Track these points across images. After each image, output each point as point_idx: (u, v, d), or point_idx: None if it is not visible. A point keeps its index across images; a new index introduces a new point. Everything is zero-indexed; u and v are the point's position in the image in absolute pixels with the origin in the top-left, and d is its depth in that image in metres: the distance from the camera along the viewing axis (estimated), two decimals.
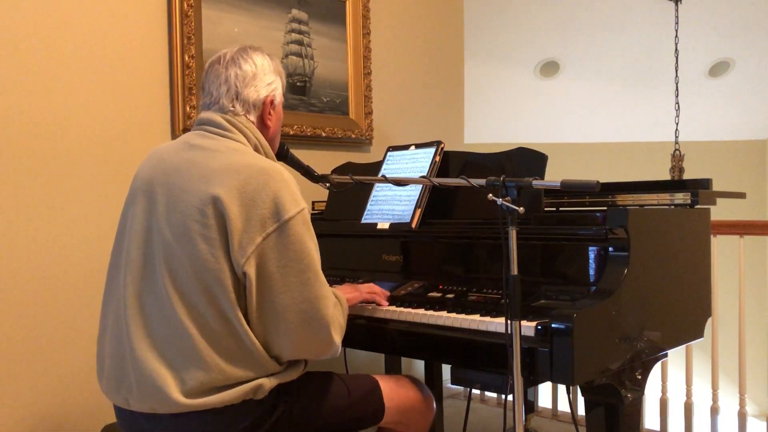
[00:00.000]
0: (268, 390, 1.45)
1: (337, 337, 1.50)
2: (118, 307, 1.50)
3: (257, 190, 1.41)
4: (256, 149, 1.58)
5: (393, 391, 1.70)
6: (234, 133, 1.54)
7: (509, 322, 1.39)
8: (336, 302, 1.53)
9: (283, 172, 1.47)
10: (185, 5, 2.41)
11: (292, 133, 2.78)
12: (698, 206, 1.82)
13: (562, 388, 3.19)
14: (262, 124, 1.61)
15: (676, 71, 5.42)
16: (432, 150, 2.13)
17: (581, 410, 1.88)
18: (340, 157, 2.91)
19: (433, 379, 2.75)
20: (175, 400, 1.38)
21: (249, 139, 1.56)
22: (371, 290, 1.88)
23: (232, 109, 1.56)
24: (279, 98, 1.65)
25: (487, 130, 6.22)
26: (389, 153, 2.28)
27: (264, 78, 1.59)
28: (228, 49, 1.62)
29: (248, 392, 1.42)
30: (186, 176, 1.47)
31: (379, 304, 1.86)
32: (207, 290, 1.40)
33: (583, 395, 1.68)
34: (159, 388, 1.39)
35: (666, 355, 1.84)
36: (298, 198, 1.46)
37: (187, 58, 2.41)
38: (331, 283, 2.07)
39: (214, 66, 1.60)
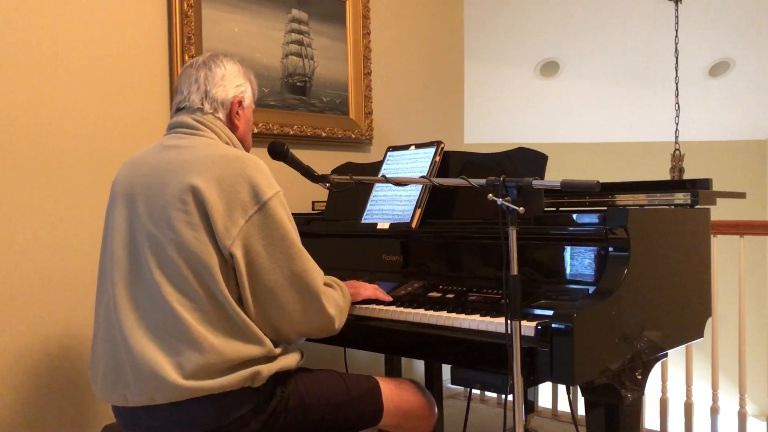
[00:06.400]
0: (265, 377, 1.47)
1: (332, 310, 1.56)
2: (108, 307, 1.52)
3: (234, 177, 1.47)
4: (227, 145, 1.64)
5: (393, 393, 1.70)
6: (204, 131, 1.62)
7: (509, 322, 1.39)
8: (332, 283, 1.62)
9: (257, 159, 1.54)
10: (185, 5, 2.41)
11: (292, 133, 2.78)
12: (698, 206, 1.82)
13: (562, 388, 3.19)
14: (230, 123, 1.69)
15: (676, 71, 5.41)
16: (432, 150, 2.13)
17: (581, 410, 1.88)
18: (340, 157, 2.91)
19: (433, 379, 2.75)
20: (173, 383, 1.40)
21: (220, 136, 1.63)
22: (375, 289, 1.89)
23: (200, 106, 1.64)
24: (248, 101, 1.73)
25: (487, 130, 6.22)
26: (389, 153, 2.28)
27: (233, 80, 1.68)
28: (201, 55, 1.73)
29: (246, 379, 1.44)
30: (163, 172, 1.52)
31: (383, 299, 1.87)
32: (194, 273, 1.44)
33: (583, 395, 1.68)
34: (156, 374, 1.41)
35: (666, 355, 1.83)
36: (273, 182, 1.53)
37: (187, 58, 2.41)
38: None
39: (187, 69, 1.69)
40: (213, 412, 1.44)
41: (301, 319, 1.52)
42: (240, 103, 1.69)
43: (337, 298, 1.61)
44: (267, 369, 1.48)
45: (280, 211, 1.50)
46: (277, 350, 1.52)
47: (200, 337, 1.41)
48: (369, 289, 1.88)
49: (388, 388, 1.70)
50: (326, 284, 1.67)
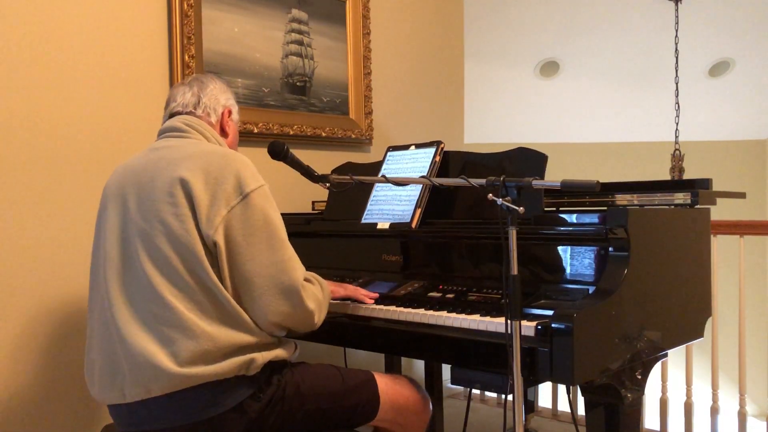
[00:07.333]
0: (260, 365, 1.49)
1: (311, 304, 1.56)
2: (103, 306, 1.54)
3: (220, 170, 1.51)
4: None
5: (389, 387, 1.71)
6: (193, 134, 1.67)
7: (509, 322, 1.39)
8: (311, 278, 1.62)
9: (243, 156, 1.59)
10: (185, 5, 2.41)
11: (292, 133, 2.78)
12: (698, 206, 1.82)
13: (562, 388, 3.19)
14: (221, 130, 1.77)
15: (676, 71, 5.41)
16: (432, 150, 2.13)
17: (581, 410, 1.88)
18: (340, 157, 2.91)
19: (432, 379, 2.75)
20: (169, 372, 1.41)
21: (208, 139, 1.69)
22: (356, 289, 1.92)
23: (193, 110, 1.71)
24: (236, 115, 1.82)
25: (487, 130, 6.22)
26: (389, 153, 2.28)
27: (223, 93, 1.78)
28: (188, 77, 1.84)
29: (240, 366, 1.46)
30: (153, 170, 1.56)
31: (363, 302, 1.88)
32: (184, 263, 1.47)
33: (583, 395, 1.68)
34: (152, 363, 1.42)
35: (666, 355, 1.83)
36: (258, 177, 1.56)
37: (187, 58, 2.41)
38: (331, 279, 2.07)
39: (178, 85, 1.78)
40: (209, 401, 1.45)
41: (277, 310, 1.50)
42: (230, 112, 1.78)
43: (316, 292, 1.62)
44: (261, 357, 1.49)
45: (262, 203, 1.52)
46: (271, 339, 1.54)
47: (193, 324, 1.43)
48: (348, 289, 1.91)
49: (383, 382, 1.71)
50: (306, 279, 1.66)
